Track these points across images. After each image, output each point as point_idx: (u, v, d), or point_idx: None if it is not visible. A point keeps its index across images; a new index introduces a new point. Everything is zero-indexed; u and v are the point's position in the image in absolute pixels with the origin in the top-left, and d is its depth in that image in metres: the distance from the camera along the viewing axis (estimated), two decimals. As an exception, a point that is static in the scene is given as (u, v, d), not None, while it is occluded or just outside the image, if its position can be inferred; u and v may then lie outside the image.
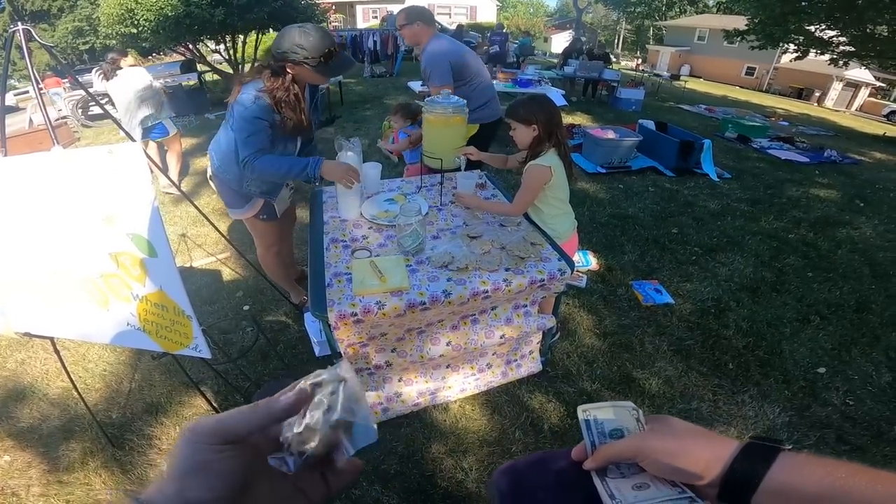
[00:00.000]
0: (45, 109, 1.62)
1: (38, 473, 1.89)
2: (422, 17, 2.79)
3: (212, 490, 0.36)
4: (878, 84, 23.15)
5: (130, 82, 4.07)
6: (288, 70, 1.83)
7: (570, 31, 21.52)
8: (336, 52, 1.85)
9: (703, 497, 0.44)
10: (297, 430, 0.38)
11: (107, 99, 4.35)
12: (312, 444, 0.38)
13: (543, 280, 1.70)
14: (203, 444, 0.38)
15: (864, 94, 23.16)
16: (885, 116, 19.64)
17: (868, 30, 10.54)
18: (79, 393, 1.92)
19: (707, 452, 0.44)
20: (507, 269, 1.70)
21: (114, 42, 7.76)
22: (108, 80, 4.15)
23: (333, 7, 20.09)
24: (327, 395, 0.40)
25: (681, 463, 0.44)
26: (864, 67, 16.28)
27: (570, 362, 2.43)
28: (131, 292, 1.47)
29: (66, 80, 9.94)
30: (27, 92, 15.03)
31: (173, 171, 4.73)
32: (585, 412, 0.53)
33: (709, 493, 0.43)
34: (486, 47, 11.24)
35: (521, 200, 1.97)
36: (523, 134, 1.98)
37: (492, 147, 3.01)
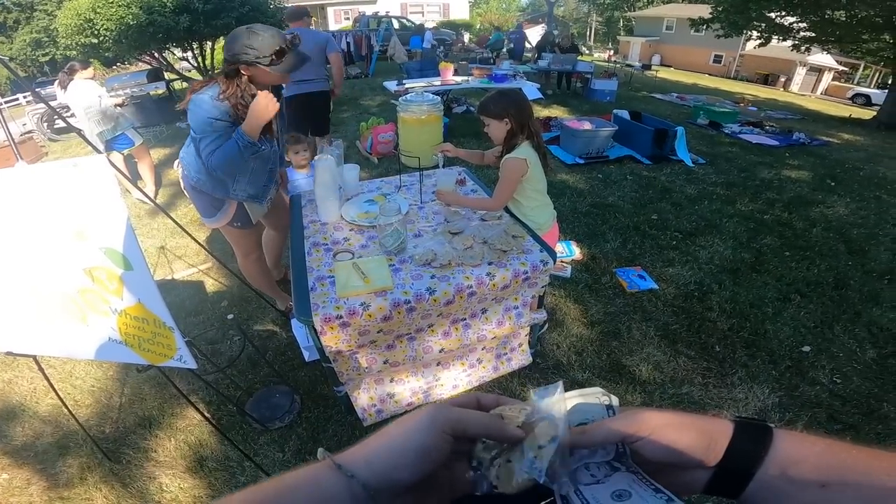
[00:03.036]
0: (6, 124, 1.57)
1: (38, 490, 1.87)
2: (289, 15, 4.02)
3: (417, 475, 0.38)
4: (841, 68, 23.81)
5: (79, 96, 3.97)
6: (242, 72, 1.81)
7: (543, 24, 21.67)
8: (288, 49, 1.82)
9: (690, 487, 0.41)
10: (498, 467, 0.41)
11: (71, 112, 4.23)
12: (506, 490, 0.40)
13: (527, 272, 1.71)
14: (441, 429, 0.39)
15: (827, 79, 23.79)
16: (850, 99, 20.19)
17: (826, 15, 10.80)
18: (69, 410, 1.89)
19: (710, 425, 0.40)
20: (489, 264, 1.70)
21: (74, 53, 7.53)
22: (63, 89, 4.05)
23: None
24: (535, 448, 0.40)
25: (688, 436, 0.39)
26: (825, 52, 16.72)
27: (559, 353, 2.44)
28: (109, 307, 1.43)
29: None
30: (-11, 108, 14.53)
31: (148, 183, 4.62)
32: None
33: (696, 480, 0.40)
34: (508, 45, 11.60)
35: (501, 194, 1.98)
36: (497, 129, 1.99)
37: (469, 143, 3.01)
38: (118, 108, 4.28)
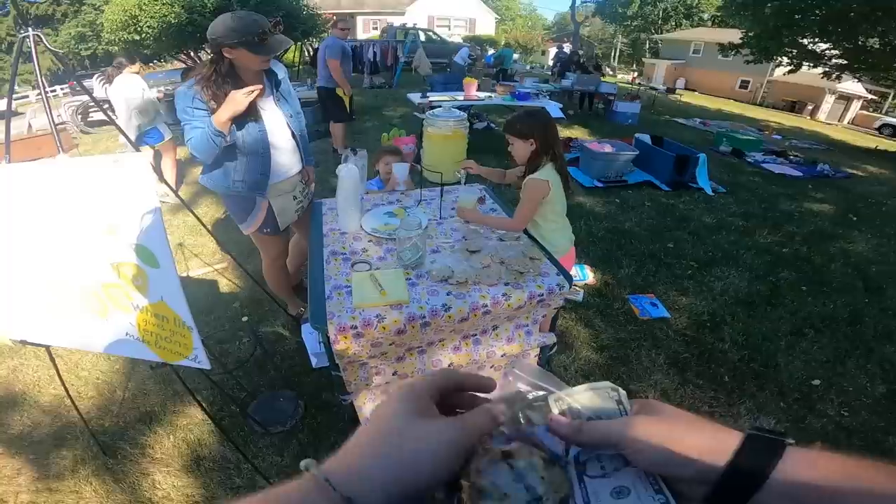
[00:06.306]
0: (51, 115, 1.63)
1: (27, 480, 1.87)
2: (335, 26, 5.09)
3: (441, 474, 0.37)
4: (870, 97, 23.46)
5: (123, 90, 4.11)
6: (225, 55, 1.85)
7: (568, 43, 21.81)
8: (270, 32, 1.87)
9: (689, 499, 0.39)
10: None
11: (107, 105, 4.38)
12: None
13: (542, 294, 1.72)
14: (429, 397, 0.40)
15: (856, 107, 23.45)
16: (876, 129, 19.86)
17: (860, 42, 10.70)
18: (72, 400, 1.91)
19: (703, 441, 0.38)
20: (506, 284, 1.70)
21: (116, 48, 7.80)
22: (109, 83, 4.21)
23: (335, 17, 20.25)
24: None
25: (642, 450, 0.39)
26: (856, 80, 16.52)
27: (567, 375, 2.44)
28: (132, 303, 1.47)
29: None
30: (26, 97, 15.01)
31: (168, 179, 4.73)
32: (558, 401, 0.46)
33: (696, 493, 0.38)
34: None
35: (522, 215, 1.98)
36: (521, 148, 2.01)
37: (488, 160, 3.05)
38: (158, 101, 4.44)
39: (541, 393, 0.48)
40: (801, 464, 0.35)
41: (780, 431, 0.37)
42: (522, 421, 0.45)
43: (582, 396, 0.46)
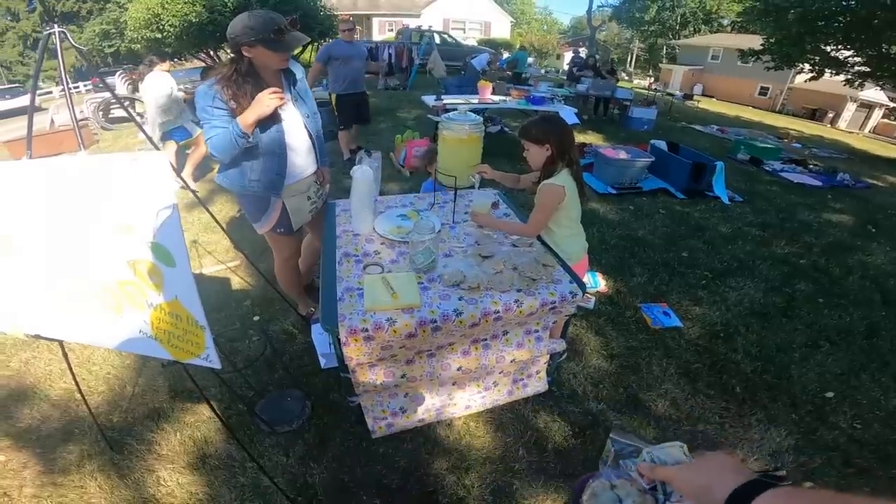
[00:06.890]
0: (73, 111, 1.65)
1: (32, 474, 1.88)
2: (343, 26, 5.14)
3: None
4: (893, 105, 22.93)
5: (152, 88, 4.19)
6: (244, 53, 1.86)
7: (584, 48, 21.64)
8: (287, 29, 1.87)
9: None
10: None
11: (128, 101, 4.48)
12: None
13: (555, 302, 1.71)
14: None
15: (877, 116, 22.92)
16: (898, 138, 19.46)
17: (884, 50, 10.50)
18: (82, 395, 1.92)
19: (706, 481, 0.58)
20: (518, 290, 1.70)
21: (138, 46, 7.96)
22: (140, 80, 4.34)
23: (351, 18, 20.38)
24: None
25: (684, 487, 0.62)
26: (879, 88, 16.19)
27: (576, 382, 2.42)
28: (146, 300, 1.48)
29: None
30: (49, 92, 15.33)
31: (187, 174, 4.79)
32: (648, 453, 0.73)
33: None
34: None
35: (536, 221, 1.97)
36: (536, 154, 1.99)
37: (501, 164, 3.04)
38: (185, 101, 4.53)
39: (635, 448, 0.79)
40: (773, 499, 0.49)
41: (778, 476, 0.57)
42: (621, 466, 0.78)
43: (662, 451, 0.72)
